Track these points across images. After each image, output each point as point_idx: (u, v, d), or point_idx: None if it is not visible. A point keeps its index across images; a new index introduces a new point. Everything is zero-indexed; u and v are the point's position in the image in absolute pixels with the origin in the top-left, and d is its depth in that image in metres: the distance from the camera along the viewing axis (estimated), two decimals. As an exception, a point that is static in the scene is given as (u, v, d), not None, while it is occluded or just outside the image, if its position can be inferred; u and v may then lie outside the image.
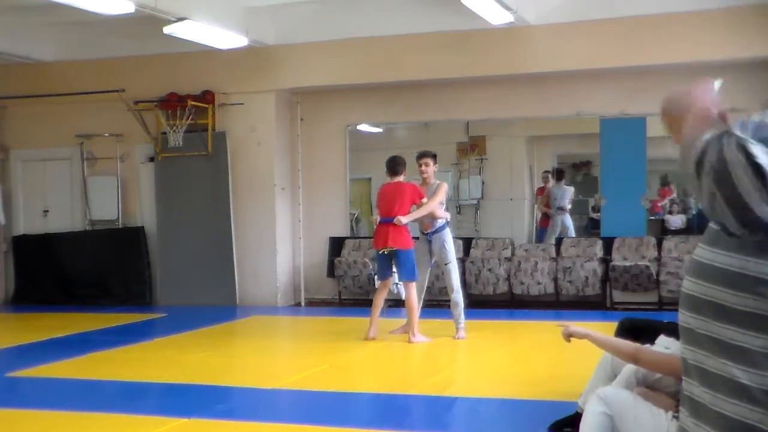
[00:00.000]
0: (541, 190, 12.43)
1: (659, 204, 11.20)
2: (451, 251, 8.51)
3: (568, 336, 3.95)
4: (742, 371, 1.30)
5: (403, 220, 8.13)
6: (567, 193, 12.35)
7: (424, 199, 8.26)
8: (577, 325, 3.86)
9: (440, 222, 8.45)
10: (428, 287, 11.25)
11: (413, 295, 8.30)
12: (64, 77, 12.16)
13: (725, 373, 1.33)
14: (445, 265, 8.48)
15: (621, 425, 3.39)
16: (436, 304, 11.29)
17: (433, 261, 8.69)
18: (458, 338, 8.52)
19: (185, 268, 11.74)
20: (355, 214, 12.79)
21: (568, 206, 12.29)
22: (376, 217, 8.38)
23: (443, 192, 8.42)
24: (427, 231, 8.51)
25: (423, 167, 8.47)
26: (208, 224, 11.76)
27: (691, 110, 1.45)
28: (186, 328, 9.74)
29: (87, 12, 8.82)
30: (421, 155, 8.56)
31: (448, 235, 8.50)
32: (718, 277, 1.35)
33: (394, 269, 8.51)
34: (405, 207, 8.22)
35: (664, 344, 4.18)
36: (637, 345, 3.61)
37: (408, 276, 8.33)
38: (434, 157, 8.60)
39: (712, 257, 1.36)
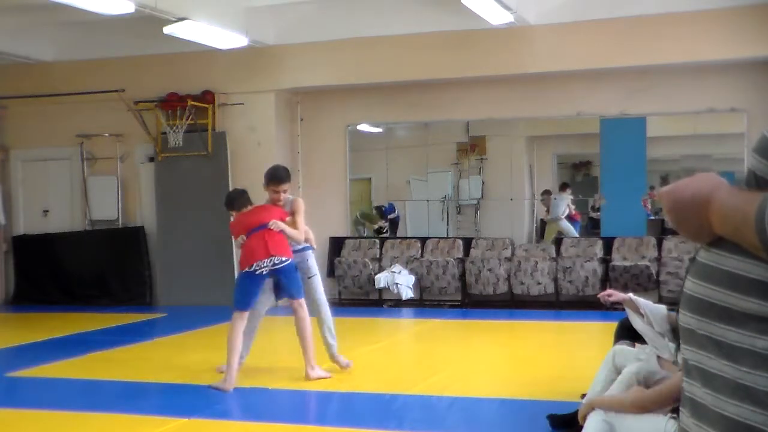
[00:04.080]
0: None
1: (648, 205, 11.23)
2: (314, 266, 7.06)
3: (587, 412, 3.85)
4: (744, 373, 1.30)
5: (280, 224, 6.56)
6: (562, 202, 12.31)
7: (288, 218, 6.73)
8: (586, 403, 3.87)
9: (304, 244, 6.90)
10: (427, 287, 11.30)
11: (308, 317, 6.72)
12: (64, 77, 12.16)
13: (727, 375, 1.32)
14: (309, 278, 6.96)
15: (621, 430, 3.47)
16: (436, 304, 11.32)
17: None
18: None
19: (185, 268, 11.74)
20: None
21: (562, 215, 12.26)
22: (239, 240, 6.68)
23: (303, 206, 6.85)
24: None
25: (282, 194, 6.77)
26: (208, 224, 11.75)
27: (715, 192, 1.35)
28: (186, 328, 9.75)
29: (87, 12, 8.82)
30: (279, 180, 6.75)
31: (311, 254, 7.06)
32: (721, 279, 1.34)
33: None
34: (277, 217, 6.66)
35: (636, 355, 4.29)
36: (639, 394, 3.65)
37: (300, 292, 6.73)
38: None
39: (716, 259, 1.35)
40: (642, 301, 4.33)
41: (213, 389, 6.37)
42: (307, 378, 6.58)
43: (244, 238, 6.56)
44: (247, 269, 6.50)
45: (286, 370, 7.03)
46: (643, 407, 3.59)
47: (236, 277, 6.67)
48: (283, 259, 6.51)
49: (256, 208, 6.83)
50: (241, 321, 6.54)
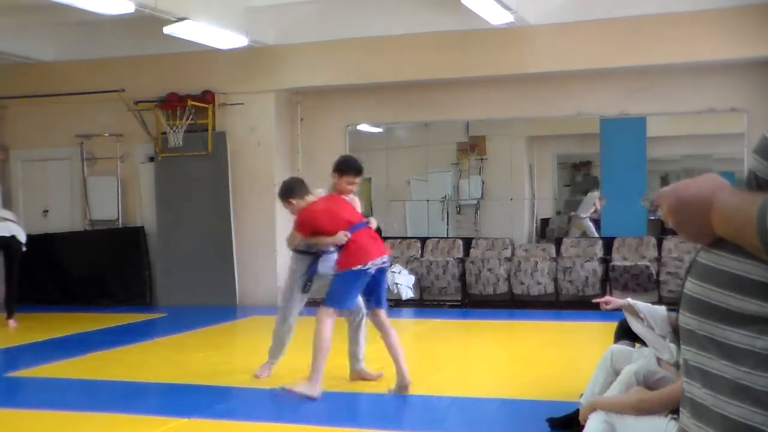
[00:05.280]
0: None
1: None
2: None
3: (588, 413, 3.86)
4: (744, 373, 1.30)
5: (375, 222, 6.30)
6: (589, 201, 12.20)
7: None
8: (587, 406, 3.89)
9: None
10: (427, 287, 11.30)
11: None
12: (64, 77, 12.16)
13: (727, 375, 1.32)
14: None
15: (621, 431, 3.48)
16: (436, 304, 11.32)
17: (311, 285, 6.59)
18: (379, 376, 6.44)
19: (185, 268, 11.74)
20: None
21: (585, 213, 12.16)
22: (341, 235, 6.01)
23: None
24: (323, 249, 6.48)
25: (354, 186, 6.50)
26: (208, 224, 11.76)
27: (717, 192, 1.34)
28: (186, 328, 9.74)
29: (87, 12, 8.82)
30: (359, 172, 6.50)
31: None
32: (722, 280, 1.33)
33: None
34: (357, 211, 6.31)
35: (635, 356, 4.31)
36: (639, 396, 3.67)
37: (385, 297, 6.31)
38: None
39: (717, 260, 1.35)
40: (641, 305, 4.32)
41: (298, 396, 5.87)
42: (407, 390, 6.10)
43: (348, 235, 5.97)
44: (359, 267, 5.93)
45: (286, 370, 7.02)
46: (645, 409, 3.59)
47: (342, 273, 6.02)
48: (388, 258, 6.18)
49: (332, 199, 6.28)
50: (332, 320, 6.00)
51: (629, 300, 4.45)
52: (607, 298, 4.85)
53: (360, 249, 5.98)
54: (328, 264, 6.43)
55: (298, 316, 6.71)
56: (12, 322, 10.13)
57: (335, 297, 6.03)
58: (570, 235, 12.04)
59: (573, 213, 12.40)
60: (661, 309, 4.31)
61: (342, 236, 5.98)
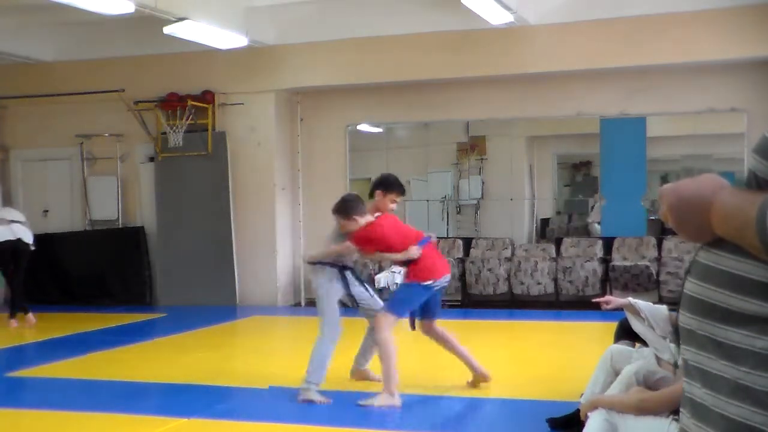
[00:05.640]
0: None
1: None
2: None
3: (590, 410, 3.86)
4: (744, 373, 1.30)
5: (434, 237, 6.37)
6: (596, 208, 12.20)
7: None
8: (587, 402, 3.90)
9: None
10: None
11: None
12: (64, 77, 12.16)
13: (727, 375, 1.32)
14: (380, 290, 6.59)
15: (622, 430, 3.48)
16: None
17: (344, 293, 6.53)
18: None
19: (185, 268, 11.74)
20: None
21: (590, 219, 12.14)
22: (414, 249, 6.03)
23: None
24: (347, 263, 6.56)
25: (395, 205, 6.51)
26: (208, 224, 11.76)
27: (717, 192, 1.34)
28: (186, 328, 9.74)
29: (87, 12, 8.82)
30: (403, 191, 6.60)
31: None
32: (721, 280, 1.33)
33: None
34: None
35: (634, 356, 4.30)
36: (640, 395, 3.67)
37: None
38: None
39: (716, 260, 1.35)
40: (642, 304, 4.33)
41: (377, 407, 5.80)
42: (488, 379, 6.29)
43: (420, 249, 6.02)
44: (429, 282, 6.03)
45: (286, 370, 7.02)
46: (646, 409, 3.59)
47: (412, 284, 6.11)
48: (449, 277, 6.30)
49: (390, 218, 6.30)
50: (392, 328, 6.02)
51: (630, 299, 4.45)
52: (608, 297, 4.85)
53: (433, 265, 6.08)
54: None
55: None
56: (14, 322, 10.13)
57: (399, 305, 6.09)
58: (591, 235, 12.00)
59: (589, 221, 12.30)
60: (663, 309, 4.31)
61: (415, 251, 6.03)
